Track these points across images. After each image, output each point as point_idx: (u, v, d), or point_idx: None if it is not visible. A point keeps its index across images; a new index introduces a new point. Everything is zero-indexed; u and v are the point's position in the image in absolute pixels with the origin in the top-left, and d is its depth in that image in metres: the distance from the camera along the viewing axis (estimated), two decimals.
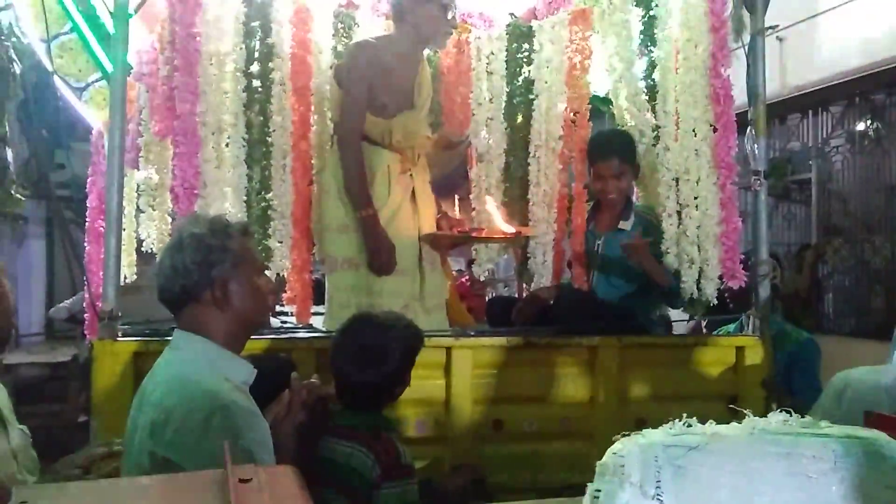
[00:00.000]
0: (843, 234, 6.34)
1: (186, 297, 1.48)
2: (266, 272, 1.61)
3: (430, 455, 2.34)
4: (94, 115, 3.14)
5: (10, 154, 5.72)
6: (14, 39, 5.22)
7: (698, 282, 2.51)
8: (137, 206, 2.85)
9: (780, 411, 0.91)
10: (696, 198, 2.49)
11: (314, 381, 1.69)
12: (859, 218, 6.24)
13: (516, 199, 2.92)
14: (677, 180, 2.55)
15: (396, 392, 1.87)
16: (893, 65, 5.10)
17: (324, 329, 2.56)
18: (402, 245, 2.54)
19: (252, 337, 1.64)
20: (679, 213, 2.55)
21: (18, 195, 5.76)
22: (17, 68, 5.41)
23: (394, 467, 1.73)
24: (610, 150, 2.67)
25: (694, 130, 2.51)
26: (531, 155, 2.82)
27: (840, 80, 5.57)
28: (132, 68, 2.71)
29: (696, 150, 2.50)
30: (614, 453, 0.78)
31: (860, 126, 6.20)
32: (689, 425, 0.86)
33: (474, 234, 2.67)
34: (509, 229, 2.68)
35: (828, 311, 6.28)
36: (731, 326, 3.04)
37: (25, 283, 7.04)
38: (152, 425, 1.37)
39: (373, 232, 2.48)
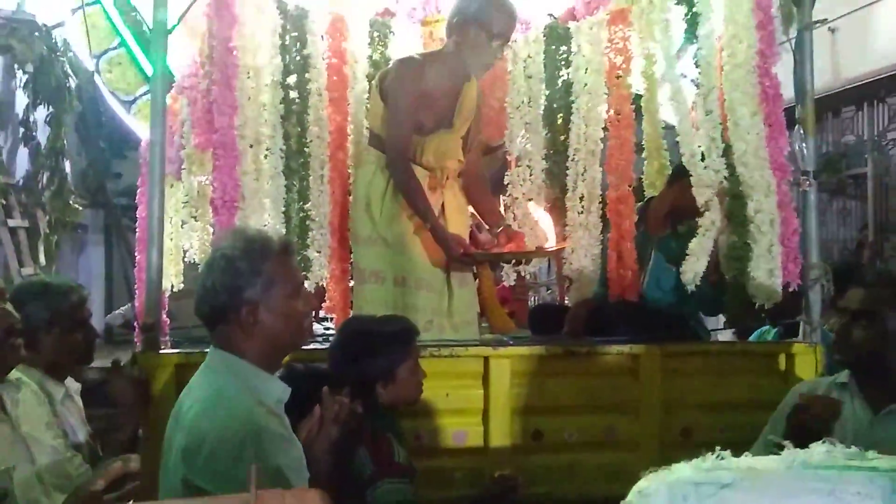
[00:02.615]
0: None
1: (217, 317, 1.48)
2: (304, 290, 1.56)
3: (468, 466, 2.33)
4: (143, 127, 3.22)
5: (68, 165, 5.92)
6: (70, 54, 5.40)
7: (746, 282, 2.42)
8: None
9: (824, 441, 0.86)
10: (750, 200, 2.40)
11: (344, 397, 1.70)
12: None
13: (557, 204, 2.88)
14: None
15: (385, 390, 1.88)
16: None
17: None
18: (430, 261, 2.53)
19: None
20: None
21: (77, 205, 5.96)
22: (73, 82, 5.59)
23: (388, 465, 1.79)
24: None
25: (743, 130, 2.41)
26: (570, 158, 2.77)
27: (895, 71, 5.35)
28: (174, 80, 2.77)
29: (747, 150, 2.40)
30: (639, 492, 0.75)
31: None
32: (722, 458, 0.81)
33: (503, 251, 2.64)
34: (552, 240, 2.64)
35: None
36: (771, 334, 2.94)
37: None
38: (185, 451, 1.37)
39: (441, 235, 2.50)
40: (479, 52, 2.51)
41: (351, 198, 2.64)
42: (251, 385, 1.45)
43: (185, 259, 2.87)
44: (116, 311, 6.46)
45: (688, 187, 2.67)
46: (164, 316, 2.82)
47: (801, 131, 2.47)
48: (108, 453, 2.05)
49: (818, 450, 0.84)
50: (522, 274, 2.83)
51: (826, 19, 2.66)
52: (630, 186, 2.74)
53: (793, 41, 2.55)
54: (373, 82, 2.65)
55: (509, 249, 2.66)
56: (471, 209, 2.85)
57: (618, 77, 2.74)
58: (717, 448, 0.82)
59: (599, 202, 2.75)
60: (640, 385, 2.42)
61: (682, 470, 0.76)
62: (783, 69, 2.48)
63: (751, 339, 3.07)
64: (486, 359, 2.37)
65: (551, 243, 2.67)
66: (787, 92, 2.52)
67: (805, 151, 2.45)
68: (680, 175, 2.74)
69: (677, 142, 3.16)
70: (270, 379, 1.50)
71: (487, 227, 2.74)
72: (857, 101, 6.17)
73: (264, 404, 1.43)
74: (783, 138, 2.39)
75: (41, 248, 5.62)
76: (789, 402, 1.95)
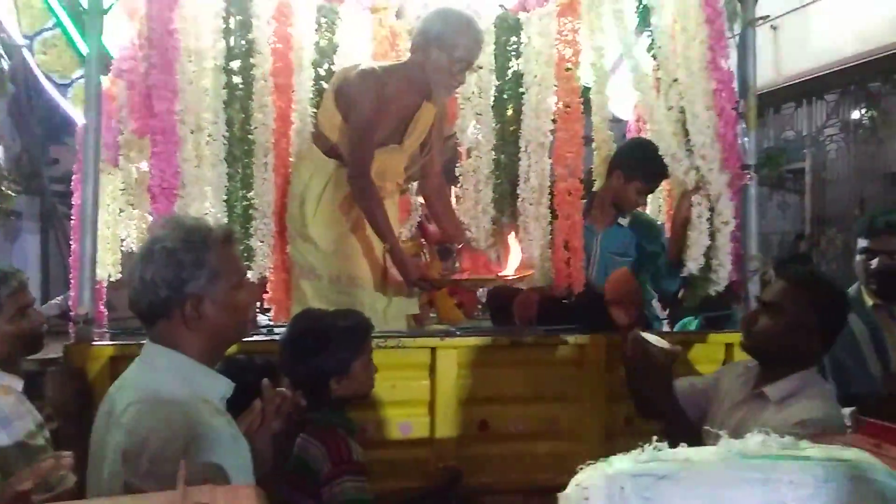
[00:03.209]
0: (837, 223, 6.32)
1: (156, 312, 1.39)
2: (247, 281, 1.51)
3: (414, 457, 2.32)
4: (79, 111, 3.08)
5: (1, 152, 5.67)
6: (3, 35, 5.15)
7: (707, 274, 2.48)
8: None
9: (758, 431, 0.87)
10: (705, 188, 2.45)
11: (284, 389, 1.66)
12: (854, 206, 6.22)
13: (507, 196, 2.88)
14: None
15: (339, 385, 1.85)
16: (888, 52, 5.06)
17: None
18: (365, 263, 2.53)
19: None
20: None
21: (10, 191, 5.71)
22: (5, 64, 5.34)
23: (344, 462, 1.76)
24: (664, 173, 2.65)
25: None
26: (522, 150, 2.77)
27: (835, 69, 5.53)
28: (111, 62, 2.67)
29: (706, 143, 2.43)
30: (577, 484, 0.74)
31: (855, 114, 6.16)
32: (659, 449, 0.82)
33: (462, 277, 2.62)
34: (515, 263, 2.62)
35: None
36: (693, 325, 3.02)
37: None
38: (126, 453, 1.29)
39: (399, 258, 2.46)
40: (440, 75, 2.44)
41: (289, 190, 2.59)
42: (194, 382, 1.38)
43: (123, 248, 2.77)
44: (52, 301, 6.22)
45: (623, 178, 2.72)
46: (102, 307, 2.73)
47: (744, 126, 2.52)
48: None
49: (753, 440, 0.86)
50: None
51: (769, 16, 2.71)
52: (579, 179, 2.76)
53: (737, 38, 2.60)
54: (328, 86, 2.58)
55: (469, 271, 2.65)
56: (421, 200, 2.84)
57: (567, 69, 2.74)
58: (654, 438, 0.83)
59: (549, 193, 2.76)
60: (584, 374, 2.44)
61: (620, 462, 0.76)
62: (727, 65, 2.52)
63: (675, 329, 3.13)
64: (434, 350, 2.35)
65: (511, 269, 2.64)
66: None
67: (747, 146, 2.50)
68: (615, 167, 2.78)
69: (623, 135, 3.21)
70: (213, 375, 1.44)
71: (449, 244, 2.73)
72: (797, 98, 6.36)
73: (209, 402, 1.37)
74: (734, 132, 2.43)
75: None
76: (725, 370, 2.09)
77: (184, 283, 1.36)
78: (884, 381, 2.31)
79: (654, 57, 2.60)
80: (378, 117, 2.42)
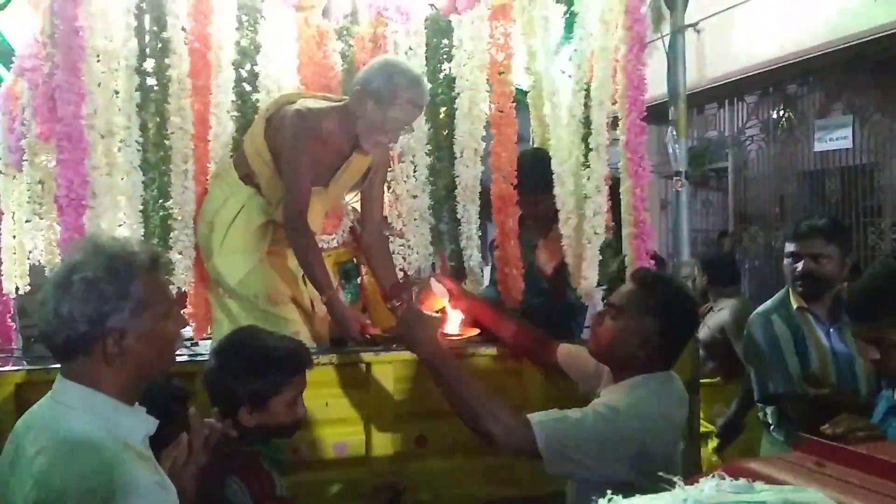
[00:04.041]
0: (759, 221, 6.54)
1: (72, 349, 1.26)
2: (174, 309, 1.35)
3: (350, 476, 2.23)
4: None
5: None
6: None
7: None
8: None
9: (714, 476, 0.84)
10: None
11: (213, 420, 1.54)
12: (773, 204, 6.44)
13: (442, 200, 2.80)
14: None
15: (249, 417, 1.68)
16: (805, 56, 5.25)
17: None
18: (282, 283, 2.42)
19: None
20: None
21: None
22: None
23: (267, 499, 1.64)
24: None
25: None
26: (458, 155, 2.70)
27: (755, 72, 5.71)
28: (13, 58, 2.46)
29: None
30: None
31: (774, 115, 6.38)
32: (611, 499, 0.77)
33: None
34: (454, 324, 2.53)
35: (744, 293, 6.47)
36: None
37: None
38: None
39: (338, 312, 2.31)
40: (371, 130, 2.29)
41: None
42: (112, 423, 1.25)
43: (30, 260, 2.57)
44: None
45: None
46: (10, 320, 2.53)
47: (674, 132, 2.53)
48: None
49: (707, 485, 0.82)
50: (407, 272, 2.74)
51: (698, 23, 2.74)
52: (512, 184, 2.71)
53: (665, 39, 2.61)
54: (260, 111, 2.45)
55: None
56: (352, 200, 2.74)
57: (500, 73, 2.70)
58: (609, 492, 0.78)
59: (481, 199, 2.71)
60: (523, 386, 2.40)
61: None
62: (653, 66, 2.52)
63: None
64: (368, 365, 2.27)
65: (454, 326, 2.55)
66: (656, 89, 2.56)
67: (678, 152, 2.51)
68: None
69: None
70: (134, 412, 1.30)
71: (384, 298, 2.60)
72: (719, 99, 6.55)
73: (131, 447, 1.24)
74: (639, 140, 2.41)
75: None
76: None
77: (105, 317, 1.24)
78: (805, 381, 2.36)
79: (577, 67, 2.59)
80: (310, 159, 2.29)
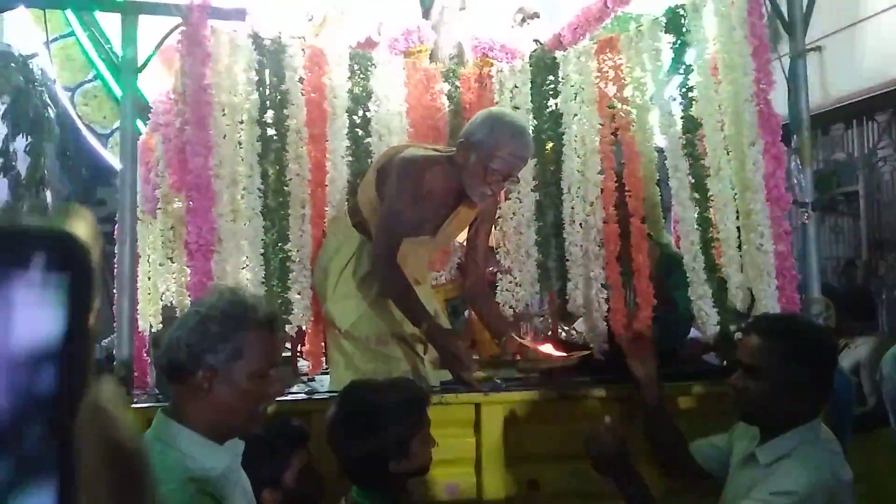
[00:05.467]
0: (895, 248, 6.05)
1: (173, 374, 1.36)
2: (274, 374, 1.39)
3: None
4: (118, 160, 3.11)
5: (49, 195, 5.79)
6: (49, 83, 5.30)
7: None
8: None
9: None
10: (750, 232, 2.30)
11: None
12: None
13: (550, 237, 2.76)
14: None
15: (398, 465, 1.66)
16: None
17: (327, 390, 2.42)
18: (392, 318, 2.43)
19: None
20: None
21: None
22: (52, 111, 5.49)
23: None
24: None
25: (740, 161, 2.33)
26: (565, 191, 2.66)
27: (884, 90, 5.33)
28: (149, 115, 2.68)
29: (748, 180, 2.31)
30: None
31: None
32: None
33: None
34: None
35: (882, 328, 5.96)
36: None
37: None
38: None
39: (441, 342, 2.30)
40: (474, 181, 2.29)
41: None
42: (188, 455, 1.32)
43: (162, 301, 2.75)
44: (101, 343, 6.30)
45: None
46: (145, 355, 2.71)
47: (798, 161, 2.39)
48: None
49: None
50: (515, 309, 2.72)
51: (820, 46, 2.60)
52: (642, 221, 2.61)
53: (784, 61, 2.48)
54: (373, 162, 2.53)
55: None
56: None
57: (610, 107, 2.65)
58: None
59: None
60: (634, 428, 2.31)
61: None
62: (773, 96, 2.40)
63: None
64: (478, 405, 2.26)
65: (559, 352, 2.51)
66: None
67: (803, 182, 2.37)
68: None
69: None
70: (216, 448, 1.36)
71: (492, 337, 2.59)
72: (846, 119, 6.16)
73: (197, 480, 1.30)
74: (783, 168, 2.30)
75: None
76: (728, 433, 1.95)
77: (202, 352, 1.33)
78: None
79: (685, 97, 2.49)
80: (412, 206, 2.32)
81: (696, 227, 2.40)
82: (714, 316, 2.34)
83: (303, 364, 2.73)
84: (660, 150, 3.04)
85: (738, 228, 2.34)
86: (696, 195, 2.44)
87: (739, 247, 2.34)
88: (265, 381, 1.39)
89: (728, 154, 2.36)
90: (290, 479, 1.72)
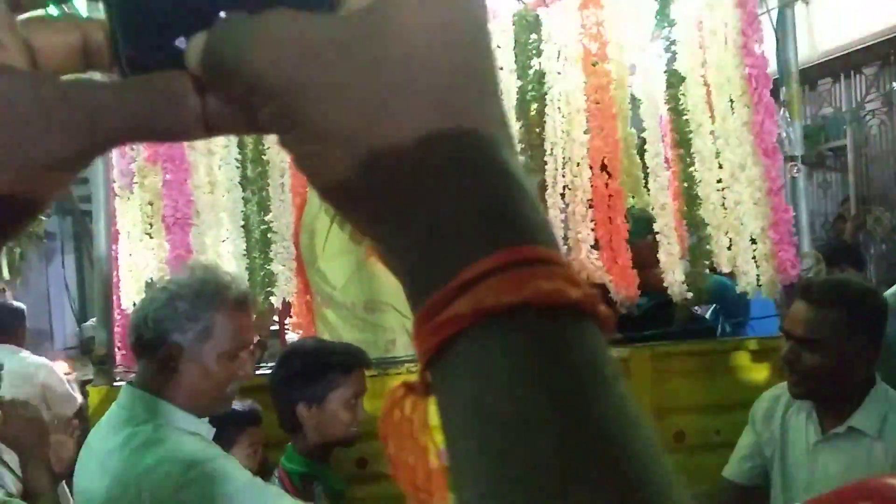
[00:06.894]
0: (884, 201, 6.05)
1: (140, 350, 1.34)
2: (244, 355, 1.36)
3: None
4: None
5: None
6: None
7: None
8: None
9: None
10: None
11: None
12: None
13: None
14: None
15: (308, 413, 1.64)
16: None
17: None
18: (387, 284, 2.36)
19: None
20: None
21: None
22: None
23: None
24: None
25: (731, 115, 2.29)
26: (548, 152, 2.62)
27: (873, 41, 5.27)
28: None
29: (736, 136, 2.27)
30: None
31: None
32: None
33: None
34: None
35: (871, 281, 5.97)
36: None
37: (58, 298, 7.04)
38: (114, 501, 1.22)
39: None
40: None
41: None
42: (174, 421, 1.29)
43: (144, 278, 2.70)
44: (87, 324, 6.26)
45: None
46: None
47: (786, 114, 2.35)
48: None
49: None
50: None
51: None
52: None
53: (772, 14, 2.42)
54: None
55: None
56: None
57: (594, 64, 2.59)
58: None
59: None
60: (634, 387, 2.29)
61: None
62: (761, 49, 2.34)
63: None
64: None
65: None
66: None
67: (792, 135, 2.33)
68: None
69: None
70: (196, 419, 1.33)
71: None
72: (833, 73, 6.10)
73: (198, 434, 1.29)
74: (772, 121, 2.25)
75: (4, 262, 5.40)
76: (757, 409, 1.82)
77: (168, 331, 1.29)
78: None
79: (667, 49, 2.44)
80: None
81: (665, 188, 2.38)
82: (680, 274, 2.33)
83: (291, 337, 2.70)
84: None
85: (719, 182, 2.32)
86: (681, 151, 2.40)
87: (724, 205, 2.32)
88: (235, 363, 1.34)
89: (712, 111, 2.32)
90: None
